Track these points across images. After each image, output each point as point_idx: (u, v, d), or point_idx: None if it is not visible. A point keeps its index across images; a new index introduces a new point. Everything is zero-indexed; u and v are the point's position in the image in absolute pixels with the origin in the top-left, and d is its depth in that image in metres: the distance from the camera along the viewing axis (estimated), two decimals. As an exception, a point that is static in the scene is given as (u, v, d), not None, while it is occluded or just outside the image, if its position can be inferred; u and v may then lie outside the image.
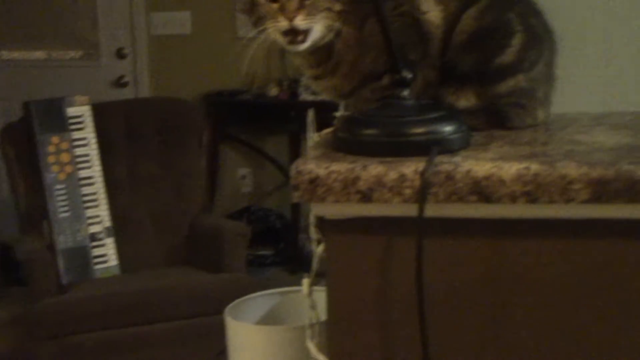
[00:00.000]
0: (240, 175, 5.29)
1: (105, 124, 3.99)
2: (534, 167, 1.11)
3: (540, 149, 1.24)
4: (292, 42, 1.35)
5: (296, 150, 4.72)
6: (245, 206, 5.17)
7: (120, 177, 4.02)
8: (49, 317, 3.43)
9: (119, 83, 5.12)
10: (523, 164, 1.11)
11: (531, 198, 1.11)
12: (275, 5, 1.35)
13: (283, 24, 1.34)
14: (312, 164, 1.16)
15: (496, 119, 1.41)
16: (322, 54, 1.41)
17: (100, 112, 3.95)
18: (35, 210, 3.81)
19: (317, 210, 1.20)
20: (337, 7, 1.35)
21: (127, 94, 5.09)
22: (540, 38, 1.43)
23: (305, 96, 4.48)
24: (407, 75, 1.26)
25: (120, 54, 5.10)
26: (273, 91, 4.77)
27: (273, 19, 1.35)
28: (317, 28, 1.34)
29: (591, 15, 4.32)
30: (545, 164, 1.11)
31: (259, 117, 4.99)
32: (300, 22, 1.33)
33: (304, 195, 1.15)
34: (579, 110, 1.61)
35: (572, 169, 1.10)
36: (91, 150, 3.81)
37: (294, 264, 4.90)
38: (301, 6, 1.33)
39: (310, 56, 1.42)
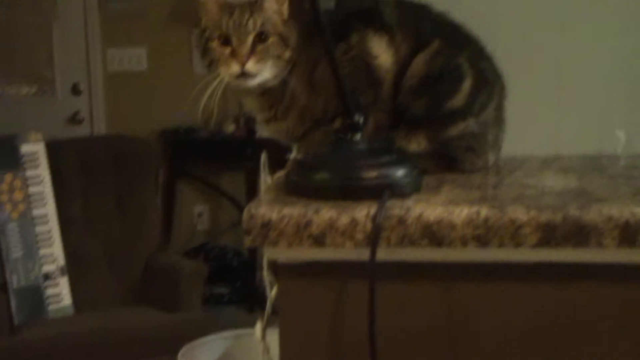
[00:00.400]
0: (197, 213, 5.27)
1: (60, 162, 3.96)
2: (484, 211, 1.12)
3: (490, 193, 1.25)
4: (241, 77, 1.38)
5: (253, 188, 4.71)
6: (202, 243, 5.15)
7: (75, 215, 3.98)
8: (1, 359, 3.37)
9: (75, 119, 5.09)
10: (473, 208, 1.13)
11: (482, 242, 1.12)
12: (227, 50, 1.37)
13: (234, 69, 1.36)
14: (265, 208, 1.16)
15: (447, 162, 1.43)
16: (273, 97, 1.43)
17: (55, 149, 3.92)
18: (-14, 251, 3.76)
19: (270, 253, 1.20)
20: (287, 55, 1.38)
21: (82, 130, 5.06)
22: (489, 82, 1.45)
23: (262, 133, 4.49)
24: (359, 118, 1.27)
25: (75, 90, 5.07)
26: (230, 128, 4.77)
27: (225, 63, 1.37)
28: (265, 73, 1.37)
29: (542, 57, 4.41)
30: (495, 208, 1.12)
31: (215, 154, 4.98)
32: (251, 67, 1.36)
33: (256, 239, 1.16)
34: (528, 153, 1.63)
35: (521, 214, 1.11)
36: (45, 188, 3.77)
37: (251, 301, 4.88)
38: (252, 51, 1.36)
39: (262, 99, 1.44)
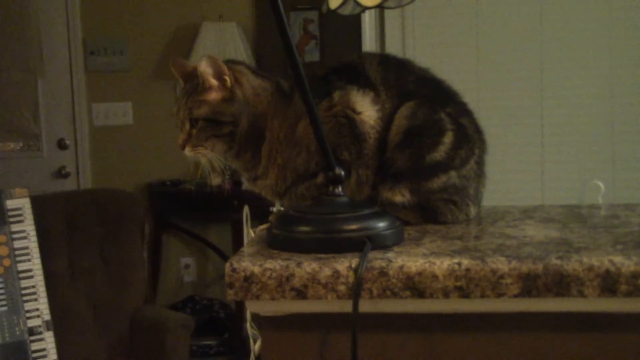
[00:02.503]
0: (184, 265, 5.24)
1: (45, 216, 3.94)
2: (466, 262, 1.12)
3: (471, 244, 1.26)
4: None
5: (240, 239, 4.70)
6: (189, 296, 5.11)
7: (60, 270, 3.95)
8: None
9: (61, 174, 5.07)
10: (455, 259, 1.13)
11: (464, 293, 1.12)
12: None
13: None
14: (247, 262, 1.16)
15: (429, 214, 1.44)
16: (249, 159, 1.46)
17: (40, 204, 3.91)
18: (-29, 306, 3.73)
19: (252, 307, 1.20)
20: (225, 130, 1.43)
21: (68, 184, 5.04)
22: (470, 137, 1.46)
23: (248, 187, 4.48)
24: (340, 172, 1.28)
25: (61, 145, 5.07)
26: (216, 180, 4.78)
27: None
28: (208, 152, 1.45)
29: (524, 110, 4.46)
30: (477, 259, 1.13)
31: (201, 206, 4.97)
32: (188, 152, 1.46)
33: (238, 293, 1.16)
34: (511, 203, 1.64)
35: (502, 264, 1.12)
36: (30, 243, 3.75)
37: (238, 353, 4.84)
38: (188, 137, 1.45)
39: (239, 162, 1.47)
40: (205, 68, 1.43)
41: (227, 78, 1.43)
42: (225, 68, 1.43)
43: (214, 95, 1.43)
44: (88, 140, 5.09)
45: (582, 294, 1.10)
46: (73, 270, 4.00)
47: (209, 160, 1.46)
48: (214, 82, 1.43)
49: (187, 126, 1.45)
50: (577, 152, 4.46)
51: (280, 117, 1.44)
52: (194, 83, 1.46)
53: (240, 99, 1.43)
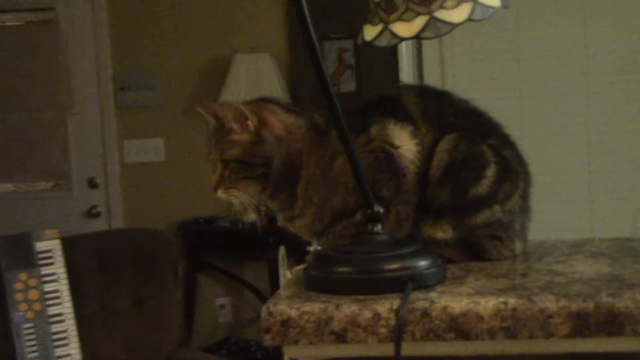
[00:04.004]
0: (219, 305, 5.24)
1: (76, 258, 3.97)
2: (512, 301, 1.12)
3: (518, 282, 1.25)
4: None
5: (277, 277, 4.70)
6: (225, 337, 5.11)
7: (92, 313, 3.98)
8: None
9: (91, 213, 5.12)
10: (501, 298, 1.13)
11: (510, 334, 1.11)
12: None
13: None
14: (284, 305, 1.16)
15: (473, 251, 1.43)
16: (285, 200, 1.47)
17: (71, 246, 3.94)
18: (0, 352, 3.76)
19: (291, 352, 1.20)
20: (258, 171, 1.43)
21: (99, 224, 5.09)
22: (514, 170, 1.46)
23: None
24: (379, 209, 1.28)
25: (92, 184, 5.12)
26: (251, 217, 4.79)
27: None
28: (241, 194, 1.47)
29: (571, 139, 4.44)
30: (524, 297, 1.12)
31: (236, 244, 4.98)
32: (221, 195, 1.46)
33: (275, 338, 1.16)
34: (558, 237, 1.63)
35: (551, 303, 1.11)
36: (61, 286, 3.78)
37: (277, 397, 4.83)
38: (221, 178, 1.45)
39: (274, 202, 1.48)
40: (223, 113, 1.45)
41: (249, 123, 1.44)
42: (246, 112, 1.44)
43: (242, 137, 1.44)
44: (119, 178, 5.14)
45: (636, 333, 1.09)
46: (105, 313, 4.02)
47: (241, 202, 1.47)
48: (235, 126, 1.45)
49: (219, 168, 1.46)
50: (628, 180, 4.41)
51: (316, 155, 1.45)
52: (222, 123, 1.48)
53: (269, 140, 1.44)
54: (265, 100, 1.52)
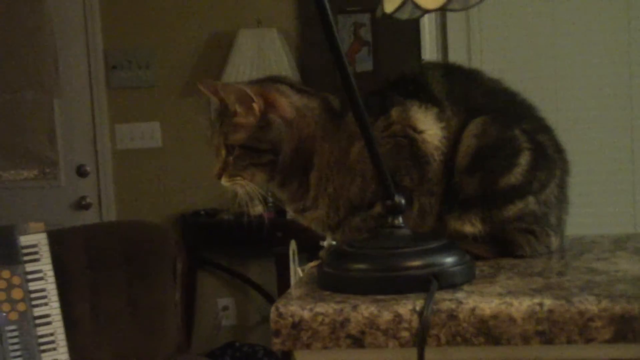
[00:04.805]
0: (222, 307, 5.26)
1: (64, 254, 3.98)
2: (548, 302, 1.12)
3: (554, 281, 1.25)
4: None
5: (285, 276, 4.69)
6: (229, 342, 5.12)
7: (82, 314, 3.99)
8: None
9: (81, 205, 5.13)
10: (535, 299, 1.13)
11: (546, 338, 1.11)
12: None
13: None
14: (295, 306, 1.17)
15: (504, 246, 1.43)
16: (296, 189, 1.47)
17: (58, 240, 3.95)
18: (-18, 356, 3.78)
19: (302, 358, 1.20)
20: (264, 158, 1.43)
21: (90, 217, 5.10)
22: (550, 157, 1.46)
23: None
24: (401, 201, 1.28)
25: (81, 172, 5.12)
26: (257, 210, 4.79)
27: None
28: (247, 183, 1.48)
29: (613, 125, 4.42)
30: (561, 298, 1.12)
31: (241, 240, 4.99)
32: (225, 183, 1.46)
33: (286, 342, 1.16)
34: (599, 232, 1.62)
35: (591, 304, 1.11)
36: (47, 284, 3.79)
37: (286, 408, 4.84)
38: (224, 167, 1.45)
39: (284, 192, 1.49)
40: (226, 94, 1.46)
41: (255, 106, 1.44)
42: (251, 93, 1.44)
43: (247, 120, 1.45)
44: (111, 166, 5.15)
45: (686, 338, 1.09)
46: (96, 315, 4.03)
47: (247, 192, 1.47)
48: (239, 108, 1.45)
49: (223, 153, 1.47)
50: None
51: (331, 140, 1.45)
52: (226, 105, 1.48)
53: (277, 124, 1.44)
54: (273, 80, 1.52)
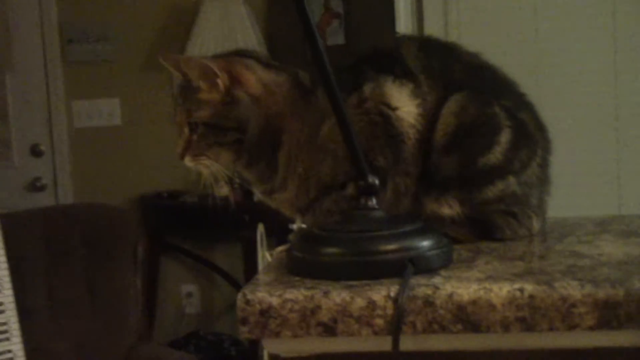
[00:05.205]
0: (185, 293, 5.26)
1: (18, 238, 3.96)
2: (529, 287, 1.12)
3: (535, 265, 1.25)
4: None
5: (252, 261, 4.69)
6: (192, 331, 5.13)
7: (37, 303, 3.97)
8: None
9: (35, 186, 5.11)
10: (516, 284, 1.13)
11: (527, 325, 1.11)
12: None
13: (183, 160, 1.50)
14: (263, 292, 1.16)
15: (483, 229, 1.43)
16: (263, 169, 1.47)
17: (11, 224, 3.93)
18: None
19: (271, 346, 1.20)
20: (229, 137, 1.42)
21: (45, 199, 5.08)
22: (531, 135, 1.46)
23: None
24: (374, 181, 1.28)
25: (35, 152, 5.10)
26: (223, 191, 4.78)
27: None
28: (212, 163, 1.47)
29: (597, 101, 4.44)
30: (542, 283, 1.12)
31: (206, 223, 4.99)
32: (189, 163, 1.46)
33: (253, 330, 1.16)
34: (581, 214, 1.63)
35: (574, 290, 1.11)
36: (0, 271, 3.78)
37: (253, 400, 4.85)
38: (188, 147, 1.45)
39: (251, 173, 1.48)
40: (188, 69, 1.45)
41: (219, 81, 1.43)
42: (215, 68, 1.43)
43: (211, 96, 1.44)
44: (67, 146, 5.12)
45: (673, 325, 1.10)
46: (53, 303, 4.02)
47: (212, 172, 1.47)
48: (202, 84, 1.44)
49: (187, 132, 1.46)
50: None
51: (301, 118, 1.44)
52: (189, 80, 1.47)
53: (243, 100, 1.44)
54: (240, 54, 1.51)
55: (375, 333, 1.13)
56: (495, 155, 1.40)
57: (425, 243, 1.23)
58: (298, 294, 1.15)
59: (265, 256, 1.45)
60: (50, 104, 5.07)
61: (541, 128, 1.50)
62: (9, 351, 3.73)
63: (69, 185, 5.15)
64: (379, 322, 1.13)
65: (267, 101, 1.45)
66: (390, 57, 1.47)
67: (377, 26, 4.61)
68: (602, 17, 4.43)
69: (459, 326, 1.12)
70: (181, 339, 5.05)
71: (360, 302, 1.13)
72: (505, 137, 1.41)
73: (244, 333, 1.16)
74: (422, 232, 1.25)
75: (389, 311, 1.13)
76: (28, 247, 4.03)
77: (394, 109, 1.42)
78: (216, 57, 1.49)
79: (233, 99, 1.44)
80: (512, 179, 1.42)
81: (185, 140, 1.47)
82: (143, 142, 5.03)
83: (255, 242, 1.50)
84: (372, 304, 1.13)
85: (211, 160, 1.46)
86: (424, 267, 1.21)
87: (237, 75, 1.45)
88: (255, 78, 1.46)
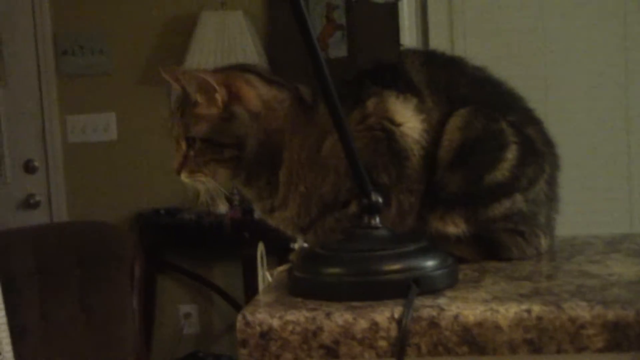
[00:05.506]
0: (184, 314, 5.25)
1: (10, 257, 3.97)
2: (537, 308, 1.12)
3: (543, 285, 1.25)
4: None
5: (252, 281, 4.68)
6: (191, 352, 5.12)
7: (30, 323, 3.97)
8: None
9: (29, 204, 5.10)
10: (523, 305, 1.13)
11: (534, 347, 1.12)
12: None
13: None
14: (263, 313, 1.17)
15: (489, 248, 1.44)
16: (263, 187, 1.47)
17: (4, 242, 3.94)
18: None
19: (271, 370, 1.21)
20: (227, 154, 1.43)
21: (39, 216, 5.06)
22: (539, 152, 1.46)
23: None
24: (378, 199, 1.28)
25: (29, 168, 5.10)
26: (221, 208, 4.78)
27: None
28: (208, 179, 1.47)
29: (608, 118, 4.43)
30: (551, 304, 1.13)
31: (204, 241, 4.99)
32: (185, 178, 1.46)
33: (253, 353, 1.16)
34: (591, 233, 1.63)
35: (583, 310, 1.11)
36: (-8, 291, 3.78)
37: None
38: (184, 162, 1.45)
39: (250, 190, 1.49)
40: (187, 83, 1.45)
41: (217, 96, 1.44)
42: (213, 83, 1.43)
43: (209, 112, 1.44)
44: (62, 161, 5.12)
45: (685, 347, 1.10)
46: (46, 324, 4.02)
47: (208, 189, 1.47)
48: (200, 98, 1.44)
49: (184, 146, 1.46)
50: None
51: (302, 134, 1.45)
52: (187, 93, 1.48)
53: (242, 117, 1.44)
54: (241, 69, 1.52)
55: (379, 356, 1.14)
56: (502, 172, 1.41)
57: (430, 263, 1.24)
58: (299, 316, 1.15)
59: (265, 276, 1.45)
60: (44, 118, 5.06)
61: (549, 144, 1.50)
62: (1, 374, 3.73)
63: (63, 202, 5.14)
64: (383, 344, 1.14)
65: (267, 118, 1.45)
66: (394, 71, 1.47)
67: (381, 38, 4.61)
68: (612, 28, 4.44)
69: (465, 348, 1.13)
70: (179, 360, 5.05)
71: (363, 323, 1.14)
72: (511, 153, 1.41)
73: (243, 356, 1.16)
74: (426, 252, 1.25)
75: (393, 333, 1.13)
76: (21, 266, 4.04)
77: (398, 124, 1.42)
78: (216, 71, 1.50)
79: (231, 114, 1.44)
80: (519, 197, 1.42)
81: (182, 156, 1.47)
82: (140, 158, 5.02)
83: (255, 261, 1.50)
84: (375, 326, 1.14)
85: (208, 177, 1.46)
86: (429, 287, 1.21)
87: (236, 90, 1.45)
88: (255, 94, 1.46)
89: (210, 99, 1.44)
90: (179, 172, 1.48)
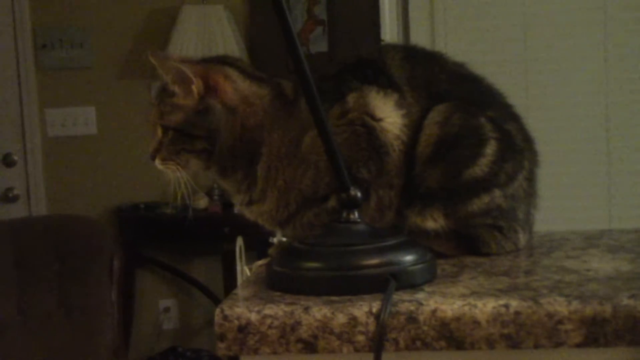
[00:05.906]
0: (163, 308, 5.24)
1: (-11, 251, 3.96)
2: (515, 304, 1.12)
3: (521, 281, 1.26)
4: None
5: (231, 276, 4.69)
6: (170, 347, 5.11)
7: (8, 317, 3.96)
8: None
9: (7, 197, 5.08)
10: (501, 300, 1.13)
11: (512, 342, 1.12)
12: None
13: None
14: (242, 307, 1.17)
15: (468, 243, 1.44)
16: (241, 180, 1.47)
17: (-18, 236, 3.93)
18: None
19: (249, 364, 1.21)
20: (198, 145, 1.43)
21: (17, 210, 5.05)
22: (518, 147, 1.47)
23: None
24: (357, 193, 1.28)
25: (7, 162, 5.08)
26: (201, 203, 4.77)
27: None
28: (181, 169, 1.48)
29: (587, 115, 4.45)
30: (528, 299, 1.13)
31: (184, 236, 4.98)
32: (159, 165, 1.46)
33: (232, 346, 1.16)
34: (570, 228, 1.64)
35: (561, 306, 1.12)
36: (-30, 284, 3.78)
37: (232, 419, 4.83)
38: (159, 148, 1.48)
39: (226, 182, 1.48)
40: (164, 71, 1.45)
41: (194, 88, 1.43)
42: (190, 74, 1.43)
43: (185, 102, 1.44)
44: (41, 155, 5.10)
45: (661, 341, 1.10)
46: (24, 318, 4.00)
47: (177, 178, 1.47)
48: (177, 89, 1.44)
49: (159, 133, 1.46)
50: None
51: (281, 129, 1.44)
52: None
53: (216, 110, 1.44)
54: (222, 62, 1.51)
55: (357, 350, 1.14)
56: (481, 167, 1.41)
57: (409, 257, 1.24)
58: (277, 310, 1.15)
59: (244, 270, 1.45)
60: (22, 112, 5.04)
61: (528, 140, 1.50)
62: (-21, 368, 3.72)
63: (42, 196, 5.12)
64: (361, 338, 1.14)
65: (244, 112, 1.45)
66: (374, 66, 1.47)
67: (362, 33, 4.62)
68: (592, 26, 4.45)
69: (443, 343, 1.13)
70: (158, 355, 5.04)
71: (341, 318, 1.14)
72: (490, 149, 1.42)
73: (221, 350, 1.16)
74: (405, 246, 1.25)
75: (371, 327, 1.13)
76: (-1, 260, 4.02)
77: (379, 120, 1.42)
78: (196, 62, 1.49)
79: (206, 107, 1.44)
80: (497, 192, 1.42)
81: (157, 142, 1.47)
82: (119, 152, 5.01)
83: (234, 255, 1.50)
84: (353, 320, 1.14)
85: (180, 166, 1.46)
86: (407, 282, 1.22)
87: (214, 83, 1.45)
88: (232, 88, 1.45)
89: (186, 90, 1.44)
90: (153, 158, 1.48)
